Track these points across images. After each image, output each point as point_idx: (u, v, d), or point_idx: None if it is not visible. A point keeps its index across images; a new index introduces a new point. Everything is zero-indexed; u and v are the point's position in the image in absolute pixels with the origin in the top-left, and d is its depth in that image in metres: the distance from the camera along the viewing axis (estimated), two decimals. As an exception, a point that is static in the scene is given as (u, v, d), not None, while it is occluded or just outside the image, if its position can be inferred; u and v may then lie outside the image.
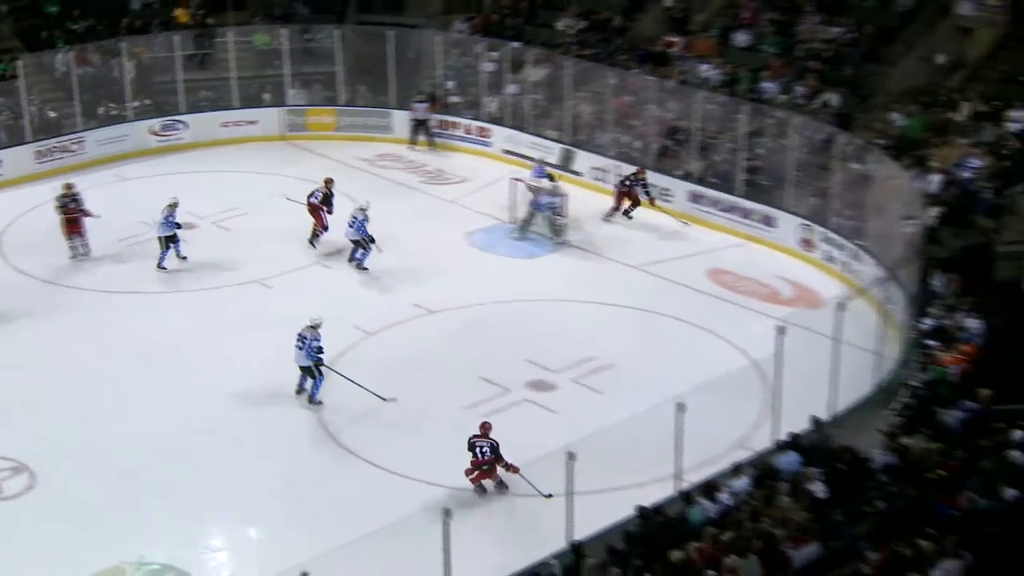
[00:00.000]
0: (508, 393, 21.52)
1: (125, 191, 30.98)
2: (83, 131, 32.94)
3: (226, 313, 24.78)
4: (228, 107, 34.70)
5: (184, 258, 26.50)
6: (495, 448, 18.75)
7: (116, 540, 17.69)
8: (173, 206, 26.20)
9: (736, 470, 17.32)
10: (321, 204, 27.38)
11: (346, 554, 14.74)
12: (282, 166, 32.49)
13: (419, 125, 33.86)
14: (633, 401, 19.51)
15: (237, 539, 18.59)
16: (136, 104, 33.94)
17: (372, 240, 26.16)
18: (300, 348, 21.15)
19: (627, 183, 29.02)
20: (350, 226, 26.27)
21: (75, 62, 33.39)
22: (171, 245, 26.22)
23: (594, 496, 18.06)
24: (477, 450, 18.74)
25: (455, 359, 22.59)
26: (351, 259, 26.57)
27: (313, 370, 21.24)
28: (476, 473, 18.76)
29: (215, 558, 18.16)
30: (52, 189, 27.74)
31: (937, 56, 29.96)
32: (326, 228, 27.30)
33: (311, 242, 27.40)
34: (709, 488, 16.66)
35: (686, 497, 16.64)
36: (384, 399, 21.10)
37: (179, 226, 26.18)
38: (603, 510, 17.40)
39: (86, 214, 26.85)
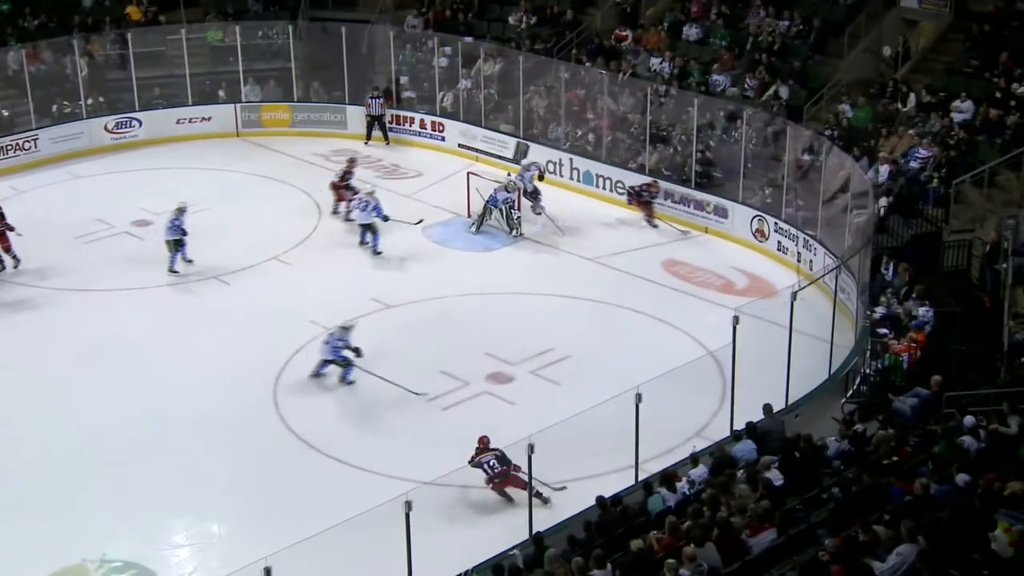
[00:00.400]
0: (467, 386, 21.66)
1: (79, 189, 30.92)
2: (37, 129, 32.67)
3: (183, 309, 24.80)
4: (182, 104, 34.50)
5: (190, 261, 26.29)
6: (502, 457, 18.38)
7: (77, 538, 17.71)
8: (181, 210, 25.93)
9: (694, 459, 17.55)
10: (340, 181, 28.84)
11: (308, 548, 14.74)
12: (237, 162, 32.47)
13: (374, 120, 33.91)
14: (591, 392, 19.53)
15: (199, 535, 18.58)
16: (90, 102, 33.71)
17: (387, 219, 26.84)
18: (326, 343, 21.73)
19: (638, 192, 29.00)
20: (362, 211, 26.86)
21: (27, 60, 33.14)
22: (178, 249, 26.01)
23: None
24: (485, 466, 18.37)
25: (414, 353, 22.66)
26: (362, 242, 27.09)
27: (337, 361, 21.63)
28: (491, 485, 18.50)
29: (177, 554, 18.15)
30: (8, 188, 27.56)
31: (883, 48, 30.43)
32: (348, 201, 28.26)
33: (334, 211, 28.85)
34: (668, 477, 16.85)
35: (646, 486, 16.84)
36: (416, 393, 21.24)
37: (185, 232, 25.88)
38: (564, 500, 17.67)
39: (9, 228, 26.21)
